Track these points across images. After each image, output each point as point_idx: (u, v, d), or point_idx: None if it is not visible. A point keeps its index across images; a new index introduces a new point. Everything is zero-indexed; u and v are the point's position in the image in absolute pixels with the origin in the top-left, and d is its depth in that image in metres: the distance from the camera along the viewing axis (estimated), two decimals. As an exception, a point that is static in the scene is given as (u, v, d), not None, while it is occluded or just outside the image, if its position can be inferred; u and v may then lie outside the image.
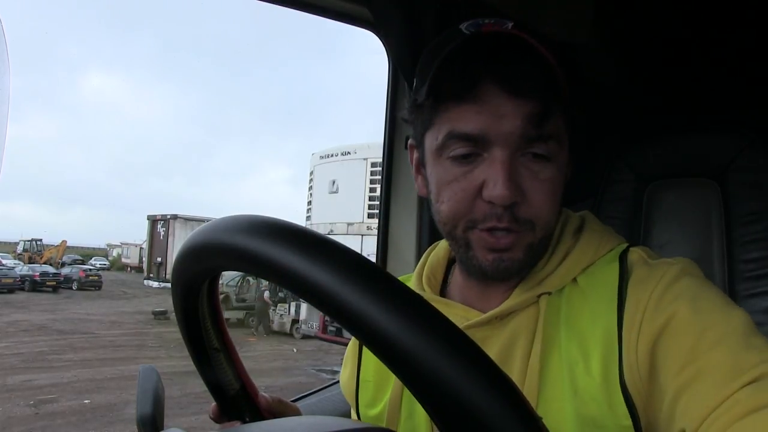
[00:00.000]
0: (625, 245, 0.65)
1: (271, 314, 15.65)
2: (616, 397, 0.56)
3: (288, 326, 15.02)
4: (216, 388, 0.55)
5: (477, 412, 0.28)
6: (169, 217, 25.79)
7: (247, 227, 0.36)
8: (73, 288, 24.52)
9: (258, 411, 0.59)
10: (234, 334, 0.52)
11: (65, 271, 26.32)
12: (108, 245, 45.65)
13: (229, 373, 0.54)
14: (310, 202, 14.48)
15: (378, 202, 1.47)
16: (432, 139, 0.62)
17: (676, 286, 0.56)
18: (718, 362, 0.49)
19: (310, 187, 14.53)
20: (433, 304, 0.32)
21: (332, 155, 13.58)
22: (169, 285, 0.48)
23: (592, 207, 1.17)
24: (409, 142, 0.70)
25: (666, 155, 1.09)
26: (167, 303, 16.06)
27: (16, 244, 38.22)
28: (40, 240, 35.63)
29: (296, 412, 0.68)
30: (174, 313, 0.50)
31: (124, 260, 38.42)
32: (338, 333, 11.16)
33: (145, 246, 29.30)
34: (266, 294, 15.53)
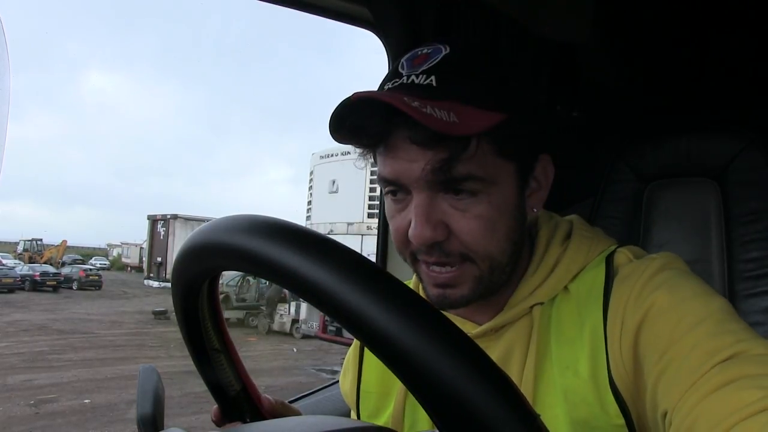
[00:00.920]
0: (613, 247, 0.66)
1: (263, 318, 15.63)
2: (607, 396, 0.57)
3: (288, 326, 15.02)
4: (216, 388, 0.55)
5: (475, 409, 0.29)
6: (169, 216, 25.80)
7: (247, 227, 0.36)
8: (74, 288, 24.53)
9: (259, 412, 0.59)
10: (234, 334, 0.52)
11: (65, 270, 26.33)
12: (108, 245, 45.68)
13: (230, 373, 0.54)
14: (310, 202, 14.48)
15: (378, 202, 1.47)
16: None
17: (655, 279, 0.57)
18: (694, 345, 0.50)
19: (310, 187, 14.53)
20: None
21: (332, 155, 13.57)
22: (169, 285, 0.48)
23: (592, 207, 1.17)
24: None
25: (666, 155, 1.09)
26: (167, 303, 16.07)
27: (17, 243, 38.26)
28: (41, 240, 35.67)
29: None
30: (174, 313, 0.50)
31: (124, 260, 38.45)
32: (338, 333, 11.16)
33: (145, 246, 29.32)
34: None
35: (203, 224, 0.41)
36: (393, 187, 0.61)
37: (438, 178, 0.57)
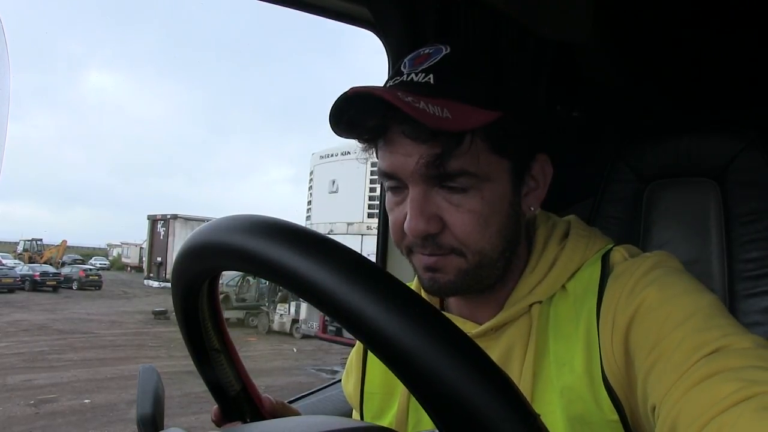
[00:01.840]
0: (610, 246, 0.66)
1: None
2: (601, 392, 0.57)
3: (288, 326, 15.02)
4: (217, 388, 0.55)
5: (476, 410, 0.29)
6: (169, 216, 25.78)
7: (247, 227, 0.36)
8: (73, 288, 24.51)
9: (259, 412, 0.60)
10: (234, 334, 0.52)
11: (65, 270, 26.31)
12: (108, 245, 45.63)
13: (230, 373, 0.54)
14: (310, 202, 14.47)
15: (378, 202, 1.47)
16: None
17: (647, 277, 0.58)
18: (681, 340, 0.50)
19: (310, 187, 14.52)
20: None
21: (332, 155, 13.56)
22: (169, 285, 0.48)
23: (592, 207, 1.17)
24: None
25: (666, 155, 1.09)
26: (167, 303, 16.07)
27: (17, 243, 38.20)
28: (41, 240, 35.63)
29: None
30: (174, 313, 0.50)
31: (124, 260, 38.42)
32: (338, 333, 11.16)
33: (145, 246, 29.29)
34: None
35: (203, 224, 0.41)
36: (391, 181, 0.62)
37: (432, 172, 0.58)
